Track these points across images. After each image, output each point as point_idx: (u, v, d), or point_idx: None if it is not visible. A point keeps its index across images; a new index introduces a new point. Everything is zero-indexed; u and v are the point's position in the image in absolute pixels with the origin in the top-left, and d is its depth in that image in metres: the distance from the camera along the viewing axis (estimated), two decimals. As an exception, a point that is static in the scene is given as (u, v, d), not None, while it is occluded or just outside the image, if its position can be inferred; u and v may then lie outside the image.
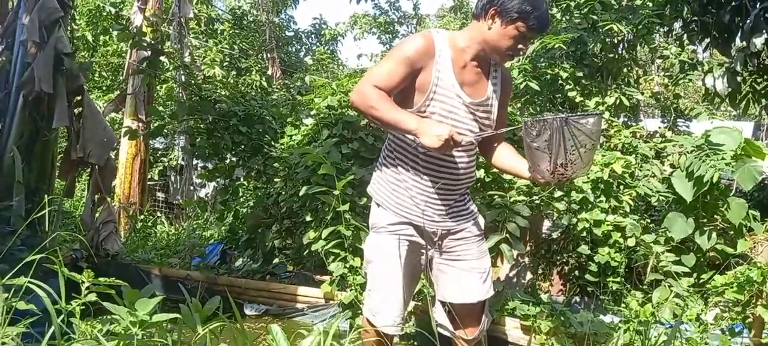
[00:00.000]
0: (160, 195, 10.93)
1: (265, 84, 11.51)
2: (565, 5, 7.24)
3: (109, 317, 1.83)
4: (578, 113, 1.95)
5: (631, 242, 3.77)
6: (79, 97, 4.30)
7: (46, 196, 4.33)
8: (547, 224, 4.78)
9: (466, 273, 2.26)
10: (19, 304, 1.63)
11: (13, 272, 1.72)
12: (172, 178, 11.14)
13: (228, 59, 11.22)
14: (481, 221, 2.37)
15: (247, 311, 4.08)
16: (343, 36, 13.70)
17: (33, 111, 4.14)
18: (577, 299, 4.23)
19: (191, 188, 9.43)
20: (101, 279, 1.81)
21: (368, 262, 2.31)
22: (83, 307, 1.76)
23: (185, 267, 4.72)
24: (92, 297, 1.74)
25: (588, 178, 3.98)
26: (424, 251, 2.26)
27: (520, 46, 2.08)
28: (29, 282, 1.57)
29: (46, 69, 3.94)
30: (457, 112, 2.11)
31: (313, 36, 14.21)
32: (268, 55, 12.91)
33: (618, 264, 3.77)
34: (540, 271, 4.59)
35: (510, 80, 2.32)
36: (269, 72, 12.42)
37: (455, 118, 2.10)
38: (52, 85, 3.98)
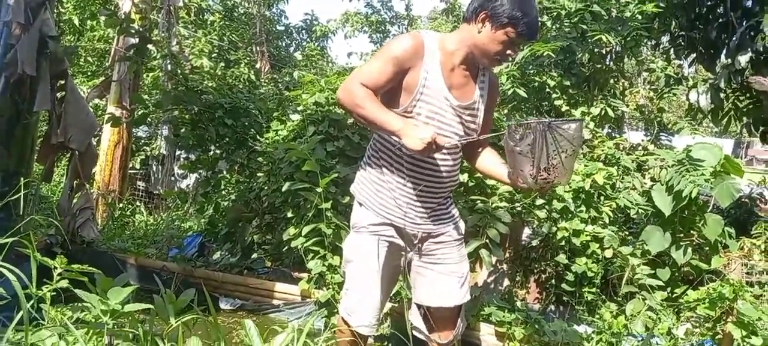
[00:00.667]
0: (141, 184, 10.81)
1: (253, 77, 11.44)
2: (555, 13, 7.29)
3: (80, 304, 1.81)
4: (561, 119, 1.96)
5: (608, 253, 3.81)
6: (62, 82, 4.23)
7: (25, 181, 4.30)
8: (526, 231, 4.81)
9: (445, 277, 2.27)
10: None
11: (-17, 255, 1.69)
12: (154, 167, 11.02)
13: (216, 51, 11.14)
14: (462, 225, 2.38)
15: (223, 305, 4.05)
16: (334, 33, 13.67)
17: (14, 93, 4.06)
18: (553, 307, 4.26)
19: (172, 178, 9.34)
20: (74, 266, 1.79)
21: (347, 261, 2.31)
22: (54, 293, 1.74)
23: (162, 258, 4.68)
24: (64, 283, 1.72)
25: (569, 187, 4.02)
26: (403, 253, 2.26)
27: (509, 51, 2.08)
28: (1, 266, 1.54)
29: (29, 51, 3.87)
30: (444, 114, 2.11)
31: (303, 32, 14.16)
32: (258, 49, 12.84)
33: (594, 275, 3.81)
34: (518, 278, 4.62)
35: (497, 85, 2.34)
36: (258, 65, 12.36)
37: (441, 121, 2.11)
38: (36, 68, 3.91)
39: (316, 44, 14.47)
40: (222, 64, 11.19)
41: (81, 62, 11.20)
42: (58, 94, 4.23)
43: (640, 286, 3.71)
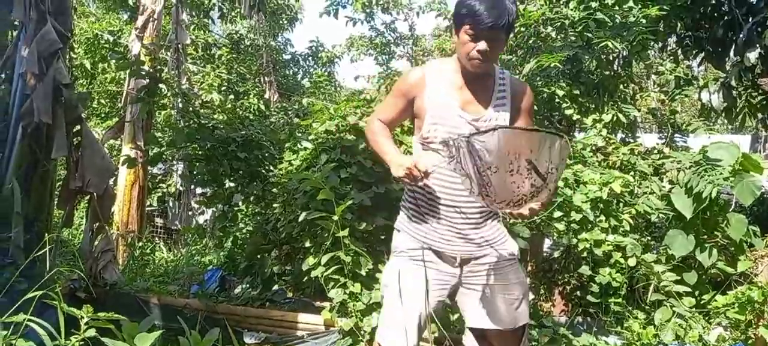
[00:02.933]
0: (159, 221, 10.91)
1: (262, 107, 11.55)
2: (559, 23, 7.30)
3: (107, 353, 1.81)
4: (480, 131, 1.83)
5: (631, 262, 3.76)
6: (77, 127, 4.30)
7: (44, 226, 4.35)
8: (547, 242, 4.76)
9: (493, 298, 2.21)
10: (19, 342, 1.61)
11: (14, 307, 1.71)
12: (171, 203, 11.13)
13: (225, 84, 11.27)
14: (513, 246, 2.28)
15: (247, 340, 4.04)
16: (340, 58, 13.79)
17: (32, 142, 4.14)
18: (579, 319, 4.21)
19: (189, 213, 9.41)
20: (100, 314, 1.80)
21: (384, 285, 2.29)
22: (82, 343, 1.75)
23: (184, 294, 4.68)
24: (91, 333, 1.72)
25: (587, 197, 3.98)
26: (447, 277, 2.23)
27: (477, 47, 2.04)
28: (29, 320, 1.55)
29: (45, 100, 3.95)
30: (462, 130, 2.05)
31: (310, 58, 14.29)
32: (266, 79, 12.96)
33: (619, 285, 3.75)
34: (542, 291, 4.57)
35: (523, 88, 2.27)
36: (266, 95, 12.47)
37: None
38: (52, 116, 3.98)
39: (323, 70, 14.59)
40: (231, 96, 11.32)
41: (94, 105, 11.39)
42: (74, 140, 4.30)
43: (667, 293, 3.65)
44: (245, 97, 11.43)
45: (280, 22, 14.03)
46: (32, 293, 1.72)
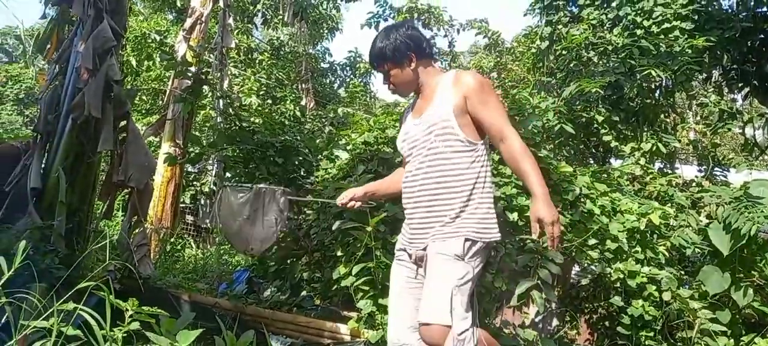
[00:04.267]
0: (189, 218, 11.12)
1: (298, 114, 11.69)
2: (602, 49, 7.24)
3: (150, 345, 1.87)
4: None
5: (666, 296, 3.68)
6: (124, 122, 4.44)
7: (85, 217, 4.49)
8: (575, 268, 4.70)
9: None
10: (69, 330, 1.68)
11: (66, 296, 1.78)
12: (202, 202, 11.33)
13: (264, 88, 11.46)
14: (448, 245, 2.25)
15: (274, 343, 4.08)
16: (378, 70, 13.87)
17: (80, 134, 4.29)
18: (603, 349, 4.14)
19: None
20: (144, 308, 1.85)
21: None
22: (126, 335, 1.81)
23: (212, 292, 4.77)
24: (135, 326, 1.78)
25: (623, 227, 3.92)
26: (413, 274, 2.44)
27: (383, 81, 2.53)
28: (80, 309, 1.62)
29: (96, 95, 4.10)
30: (413, 134, 2.42)
31: (347, 68, 14.44)
32: (303, 86, 13.13)
33: (652, 319, 3.68)
34: (567, 318, 4.50)
35: (458, 79, 2.33)
36: (303, 102, 12.63)
37: (414, 142, 2.40)
38: (101, 111, 4.12)
39: (359, 80, 14.71)
40: (269, 101, 11.51)
41: (136, 101, 11.71)
42: (120, 135, 4.43)
43: (702, 331, 3.56)
44: (282, 103, 11.60)
45: (321, 31, 14.22)
46: (85, 283, 1.79)
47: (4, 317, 1.95)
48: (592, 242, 3.93)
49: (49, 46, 4.84)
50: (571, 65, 7.54)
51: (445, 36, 12.57)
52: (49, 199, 4.25)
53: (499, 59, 12.58)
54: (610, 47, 7.15)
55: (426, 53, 2.45)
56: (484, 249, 2.31)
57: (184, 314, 2.21)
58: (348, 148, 4.44)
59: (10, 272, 1.97)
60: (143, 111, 11.70)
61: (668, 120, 7.82)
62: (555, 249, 2.38)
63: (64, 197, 4.13)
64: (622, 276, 3.82)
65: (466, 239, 2.24)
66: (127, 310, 1.85)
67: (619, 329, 3.89)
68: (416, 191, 2.35)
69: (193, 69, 4.80)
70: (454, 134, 2.29)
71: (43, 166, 4.33)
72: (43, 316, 1.84)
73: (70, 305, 1.75)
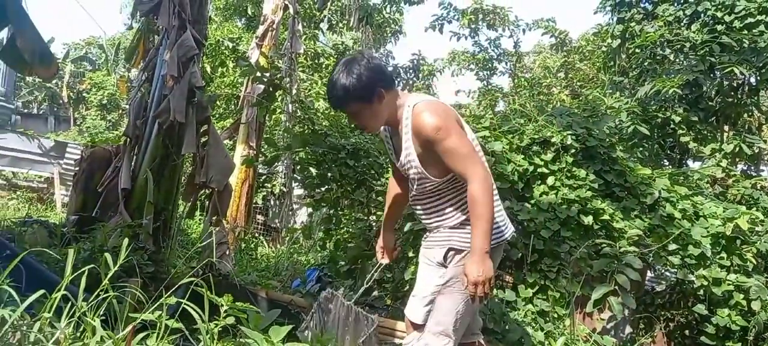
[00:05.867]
0: (260, 218, 11.50)
1: (363, 117, 11.82)
2: (678, 46, 6.96)
3: (240, 339, 1.97)
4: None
5: (755, 306, 3.51)
6: (205, 127, 4.66)
7: (170, 216, 4.75)
8: (649, 275, 4.54)
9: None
10: (170, 322, 1.80)
11: (170, 292, 1.90)
12: (272, 202, 11.69)
13: (331, 92, 11.64)
14: (437, 253, 2.46)
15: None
16: (441, 72, 13.87)
17: (165, 138, 4.54)
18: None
19: (289, 213, 9.83)
20: (238, 304, 1.96)
21: None
22: (222, 329, 1.92)
23: (285, 290, 4.91)
24: (230, 320, 1.89)
25: (708, 232, 3.77)
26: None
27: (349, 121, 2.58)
28: (185, 304, 1.73)
29: (180, 100, 4.32)
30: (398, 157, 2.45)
31: (411, 71, 14.49)
32: (368, 89, 13.24)
33: (739, 329, 3.51)
34: (641, 325, 4.36)
35: (417, 128, 2.26)
36: (368, 105, 12.74)
37: (401, 165, 2.43)
38: (184, 115, 4.35)
39: (422, 83, 14.73)
40: (335, 105, 11.69)
41: (210, 106, 12.20)
42: (202, 139, 4.66)
43: (795, 343, 3.37)
44: (347, 106, 11.75)
45: (384, 34, 14.35)
46: (187, 279, 1.92)
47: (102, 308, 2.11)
48: (672, 247, 3.80)
49: (136, 55, 5.15)
50: (645, 64, 7.28)
51: (511, 36, 12.40)
52: (138, 199, 4.51)
53: (566, 58, 12.29)
54: (687, 44, 6.86)
55: (391, 83, 2.31)
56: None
57: (271, 311, 2.31)
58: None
59: (116, 267, 2.12)
60: (216, 116, 12.20)
61: (752, 120, 7.41)
62: (477, 305, 2.40)
63: (151, 198, 4.37)
64: (705, 283, 3.66)
65: (450, 249, 2.39)
66: (222, 305, 1.96)
67: (702, 339, 3.74)
68: (416, 206, 2.50)
69: (267, 75, 4.98)
70: (427, 177, 2.33)
71: (132, 168, 4.60)
72: (146, 309, 1.98)
73: (173, 300, 1.87)
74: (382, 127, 2.44)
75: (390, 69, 2.51)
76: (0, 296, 1.74)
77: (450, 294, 2.38)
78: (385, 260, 2.73)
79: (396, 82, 2.44)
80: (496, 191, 2.40)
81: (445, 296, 2.39)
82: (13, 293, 1.70)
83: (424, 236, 2.60)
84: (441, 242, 2.45)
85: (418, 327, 2.47)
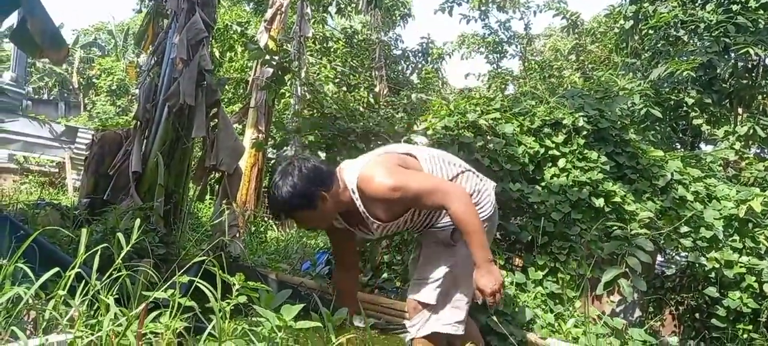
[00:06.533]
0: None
1: (371, 101, 11.82)
2: (693, 27, 6.85)
3: (255, 318, 1.98)
4: None
5: (767, 288, 3.48)
6: (215, 110, 4.67)
7: (181, 199, 4.78)
8: (659, 258, 4.51)
9: None
10: (184, 300, 1.81)
11: (183, 270, 1.91)
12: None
13: (339, 76, 11.67)
14: (441, 236, 2.53)
15: (356, 323, 4.20)
16: (451, 55, 13.80)
17: (175, 121, 4.55)
18: (692, 343, 3.96)
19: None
20: (250, 283, 1.97)
21: None
22: (234, 308, 1.93)
23: (295, 272, 4.93)
24: (243, 299, 1.90)
25: (720, 214, 3.74)
26: None
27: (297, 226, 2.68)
28: (198, 282, 1.75)
29: (189, 84, 4.32)
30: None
31: (420, 54, 14.43)
32: (376, 73, 13.26)
33: (751, 311, 3.49)
34: (650, 308, 4.34)
35: (365, 192, 2.31)
36: (377, 89, 12.76)
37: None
38: (194, 99, 4.35)
39: (431, 66, 14.67)
40: (344, 88, 11.71)
41: (218, 90, 12.21)
42: (212, 122, 4.66)
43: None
44: (356, 90, 11.77)
45: (393, 18, 14.28)
46: (199, 259, 1.93)
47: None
48: (684, 229, 3.77)
49: (145, 38, 5.15)
50: (659, 45, 7.19)
51: (521, 19, 12.29)
52: (148, 182, 4.54)
53: (577, 40, 12.16)
54: (702, 25, 6.76)
55: (331, 181, 2.31)
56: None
57: (282, 292, 2.33)
58: (428, 133, 4.46)
59: (128, 247, 2.14)
60: (226, 100, 12.22)
61: (766, 102, 7.32)
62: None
63: (162, 180, 4.40)
64: (717, 266, 3.64)
65: (455, 229, 2.42)
66: (234, 285, 1.97)
67: (713, 321, 3.72)
68: (413, 231, 2.68)
69: (276, 58, 4.97)
70: (410, 215, 2.41)
71: (142, 151, 4.63)
72: (159, 288, 2.00)
73: (185, 279, 1.88)
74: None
75: (326, 167, 2.43)
76: (15, 275, 1.76)
77: (460, 273, 2.45)
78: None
79: (333, 178, 2.33)
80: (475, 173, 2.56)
81: (453, 274, 2.48)
82: (28, 271, 1.72)
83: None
84: (445, 227, 2.50)
85: (432, 307, 2.50)
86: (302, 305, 1.94)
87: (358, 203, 2.32)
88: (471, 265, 2.31)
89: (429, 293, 2.50)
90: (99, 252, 2.02)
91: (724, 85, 6.66)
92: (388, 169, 2.27)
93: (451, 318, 2.49)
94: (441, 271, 2.48)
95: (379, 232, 2.46)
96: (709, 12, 6.68)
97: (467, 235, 2.24)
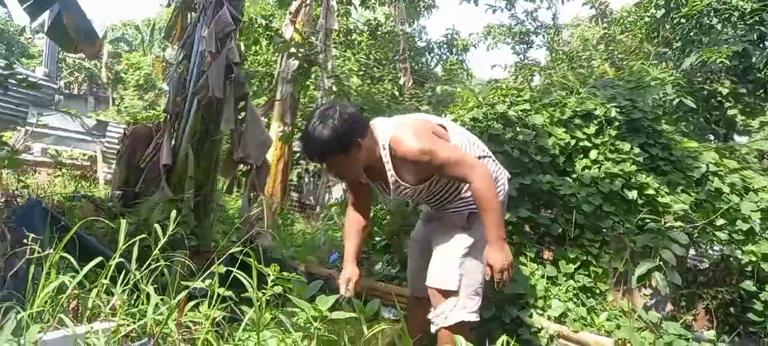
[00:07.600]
0: (294, 195, 11.63)
1: (396, 93, 11.79)
2: (727, 15, 6.68)
3: (290, 309, 2.00)
4: None
5: (808, 282, 3.39)
6: (243, 103, 4.70)
7: (210, 191, 4.83)
8: (691, 252, 4.42)
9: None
10: (220, 289, 1.83)
11: (219, 261, 1.94)
12: (306, 179, 11.81)
13: (363, 69, 11.66)
14: (455, 219, 2.58)
15: (385, 314, 4.21)
16: (476, 46, 13.67)
17: (204, 114, 4.59)
18: (726, 338, 3.88)
19: (325, 189, 9.91)
20: (284, 274, 1.98)
21: None
22: (269, 298, 1.94)
23: (323, 264, 4.96)
24: (278, 289, 1.91)
25: (758, 206, 3.64)
26: None
27: (327, 171, 2.50)
28: (236, 272, 1.76)
29: (218, 76, 4.36)
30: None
31: (444, 46, 14.33)
32: (401, 65, 13.21)
33: (790, 305, 3.40)
34: (683, 303, 4.27)
35: (396, 158, 2.36)
36: (401, 81, 12.71)
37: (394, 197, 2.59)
38: (223, 91, 4.39)
39: (456, 58, 14.55)
40: (368, 81, 11.69)
41: (244, 83, 12.29)
42: (240, 115, 4.70)
43: None
44: (381, 83, 11.75)
45: (417, 9, 14.19)
46: (234, 250, 1.95)
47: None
48: (719, 222, 3.69)
49: (174, 32, 5.20)
50: (691, 34, 7.02)
51: (549, 8, 12.11)
52: (179, 174, 4.59)
53: (606, 30, 11.94)
54: (736, 13, 6.58)
55: (366, 131, 2.32)
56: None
57: (314, 283, 2.34)
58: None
59: (165, 238, 2.17)
60: (251, 94, 12.28)
61: (805, 92, 7.10)
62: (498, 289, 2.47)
63: (192, 173, 4.45)
64: (754, 259, 3.55)
65: (471, 213, 2.51)
66: (269, 275, 1.98)
67: (749, 315, 3.64)
68: (427, 204, 2.70)
69: (302, 50, 4.99)
70: (428, 184, 2.45)
71: (172, 144, 4.68)
72: (198, 277, 2.02)
73: (222, 269, 1.90)
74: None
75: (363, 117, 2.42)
76: (59, 265, 1.80)
77: (476, 256, 2.50)
78: (349, 294, 2.52)
79: (368, 129, 2.34)
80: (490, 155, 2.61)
81: (471, 258, 2.51)
82: (73, 260, 1.75)
83: (428, 212, 2.74)
84: (459, 209, 2.54)
85: (453, 293, 2.50)
86: (336, 296, 1.95)
87: (387, 160, 2.36)
88: (484, 249, 2.35)
89: (450, 278, 2.51)
90: (136, 243, 2.06)
91: (759, 74, 6.48)
92: (421, 134, 2.32)
93: (474, 305, 2.52)
94: (457, 256, 2.51)
95: (396, 193, 2.47)
96: (743, 0, 6.51)
97: (485, 211, 2.30)
